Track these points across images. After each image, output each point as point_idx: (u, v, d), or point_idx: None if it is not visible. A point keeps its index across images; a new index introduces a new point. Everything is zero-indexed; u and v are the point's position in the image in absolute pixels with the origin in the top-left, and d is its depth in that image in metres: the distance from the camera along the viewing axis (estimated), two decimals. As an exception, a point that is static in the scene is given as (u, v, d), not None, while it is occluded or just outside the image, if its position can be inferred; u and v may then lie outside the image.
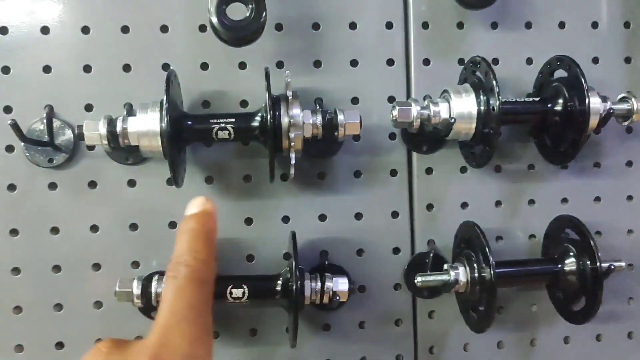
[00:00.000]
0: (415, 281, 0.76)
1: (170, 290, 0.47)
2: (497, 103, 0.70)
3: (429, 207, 0.84)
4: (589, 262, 0.75)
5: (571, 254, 0.77)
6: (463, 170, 0.84)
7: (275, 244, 0.81)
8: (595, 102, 0.74)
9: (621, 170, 0.87)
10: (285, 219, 0.81)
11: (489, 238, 0.82)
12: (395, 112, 0.74)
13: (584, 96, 0.72)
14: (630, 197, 0.87)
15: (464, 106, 0.73)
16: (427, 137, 0.81)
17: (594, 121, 0.75)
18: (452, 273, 0.75)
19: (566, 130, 0.76)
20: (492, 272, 0.71)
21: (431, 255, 0.82)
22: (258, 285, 0.73)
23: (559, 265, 0.77)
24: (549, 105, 0.76)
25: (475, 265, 0.74)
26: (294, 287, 0.69)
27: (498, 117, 0.71)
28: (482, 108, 0.73)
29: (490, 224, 0.84)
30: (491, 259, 0.71)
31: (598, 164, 0.86)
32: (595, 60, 0.86)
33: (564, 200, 0.86)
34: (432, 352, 0.84)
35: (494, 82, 0.71)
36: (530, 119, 0.79)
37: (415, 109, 0.74)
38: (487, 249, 0.72)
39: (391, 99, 0.81)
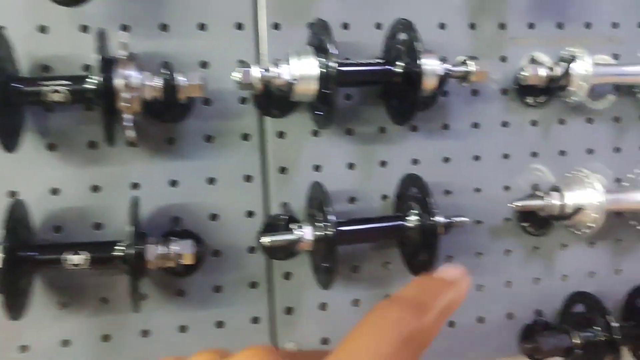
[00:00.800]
0: (260, 241, 0.77)
1: (397, 331, 0.34)
2: (333, 64, 0.72)
3: (283, 170, 0.84)
4: (428, 218, 0.78)
5: (413, 210, 0.80)
6: (315, 133, 0.85)
7: (124, 212, 0.79)
8: (431, 64, 0.77)
9: (468, 132, 0.91)
10: (135, 186, 0.80)
11: (342, 200, 0.86)
12: (235, 74, 0.74)
13: (417, 58, 0.75)
14: (477, 157, 0.91)
15: (304, 68, 0.74)
16: (277, 101, 0.82)
17: (431, 81, 0.78)
18: (297, 232, 0.76)
19: (407, 90, 0.79)
20: (332, 230, 0.73)
21: (284, 217, 0.83)
22: (98, 251, 0.71)
23: (402, 222, 0.80)
24: (390, 67, 0.78)
25: (318, 224, 0.76)
26: (132, 251, 0.68)
27: (334, 78, 0.72)
28: (321, 69, 0.74)
29: (344, 186, 0.86)
30: (331, 217, 0.73)
31: (446, 126, 0.90)
32: (442, 26, 0.89)
33: (415, 161, 0.89)
34: (290, 313, 0.86)
35: (330, 44, 0.72)
36: (373, 80, 0.81)
37: (255, 71, 0.74)
38: (328, 208, 0.74)
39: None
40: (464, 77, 0.82)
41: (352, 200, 0.87)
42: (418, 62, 0.75)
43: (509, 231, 0.94)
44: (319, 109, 0.79)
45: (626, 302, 0.96)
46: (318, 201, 0.78)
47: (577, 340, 0.86)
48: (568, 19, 0.93)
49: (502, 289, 0.94)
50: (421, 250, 0.80)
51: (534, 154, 0.94)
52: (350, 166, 0.87)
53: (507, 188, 0.93)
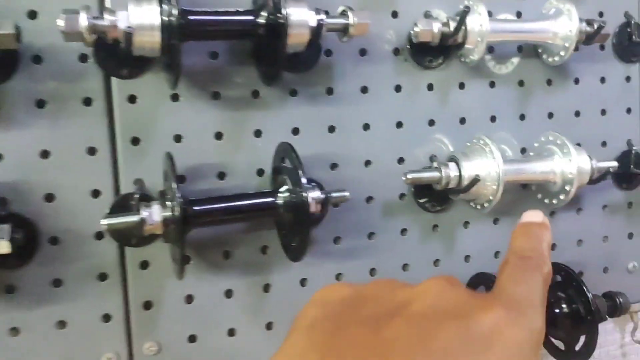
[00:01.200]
0: (101, 223, 0.64)
1: (534, 278, 0.41)
2: (175, 10, 0.59)
3: (135, 141, 0.72)
4: (299, 193, 0.67)
5: (285, 186, 0.69)
6: (175, 98, 0.73)
7: None
8: (299, 14, 0.66)
9: (356, 97, 0.80)
10: (-54, 161, 0.66)
11: (210, 175, 0.74)
12: (59, 22, 0.61)
13: (280, 6, 0.63)
14: (366, 126, 0.81)
15: (144, 16, 0.62)
16: (125, 58, 0.69)
17: (300, 34, 0.67)
18: (144, 212, 0.64)
19: (273, 45, 0.67)
20: (179, 209, 0.61)
21: (138, 196, 0.70)
22: None
23: (272, 199, 0.69)
24: (252, 17, 0.67)
25: (167, 202, 0.64)
26: None
27: (177, 28, 0.60)
28: (165, 18, 0.61)
29: (211, 159, 0.75)
30: (178, 194, 0.61)
31: (331, 90, 0.79)
32: (324, -25, 0.77)
33: (295, 130, 0.78)
34: (149, 308, 0.74)
35: (171, -16, 0.59)
36: (236, 34, 0.69)
37: (83, 18, 0.61)
38: (174, 183, 0.62)
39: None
40: (343, 29, 0.71)
41: (221, 175, 0.75)
42: (283, 11, 0.63)
43: (405, 208, 0.84)
44: (169, 67, 0.66)
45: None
46: (169, 175, 0.65)
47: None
48: (466, -30, 0.84)
49: (397, 273, 0.84)
50: (295, 229, 0.69)
51: (431, 122, 0.84)
52: (218, 136, 0.75)
53: (401, 160, 0.83)
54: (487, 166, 0.77)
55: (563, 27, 0.80)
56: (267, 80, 0.71)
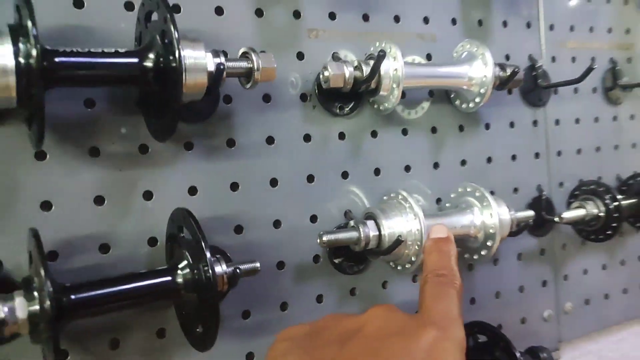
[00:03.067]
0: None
1: (449, 293, 0.52)
2: (36, 51, 0.47)
3: (-12, 212, 0.57)
4: (203, 269, 0.55)
5: (185, 261, 0.57)
6: (41, 156, 0.59)
7: None
8: (195, 56, 0.56)
9: (261, 148, 0.71)
10: None
11: (90, 248, 0.61)
12: None
13: (173, 48, 0.52)
14: (274, 182, 0.72)
15: (-4, 56, 0.48)
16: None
17: (197, 80, 0.56)
18: (3, 308, 0.49)
19: (165, 93, 0.56)
20: (49, 302, 0.47)
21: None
22: None
23: (170, 277, 0.57)
24: (137, 60, 0.55)
25: (35, 293, 0.50)
26: None
27: (39, 72, 0.47)
28: (21, 60, 0.48)
29: (91, 228, 0.61)
30: (47, 281, 0.48)
31: (232, 142, 0.69)
32: (219, 11, 0.68)
33: (192, 190, 0.67)
34: (9, 423, 0.58)
35: (29, 21, 0.47)
36: (117, 79, 0.57)
37: None
38: (43, 269, 0.48)
39: None
40: (247, 75, 0.61)
41: (104, 248, 0.62)
42: (176, 53, 0.52)
43: (320, 272, 0.75)
44: (30, 120, 0.53)
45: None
46: (36, 258, 0.51)
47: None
48: (374, 10, 0.78)
49: (314, 346, 0.74)
50: (199, 313, 0.58)
51: (345, 174, 0.76)
52: (99, 200, 0.62)
53: (314, 218, 0.74)
54: (408, 224, 0.70)
55: (478, 72, 0.76)
56: (158, 135, 0.60)
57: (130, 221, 0.64)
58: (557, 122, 0.95)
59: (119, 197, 0.63)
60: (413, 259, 0.71)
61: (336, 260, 0.76)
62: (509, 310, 0.90)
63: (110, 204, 0.62)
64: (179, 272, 0.57)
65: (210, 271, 0.54)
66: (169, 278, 0.57)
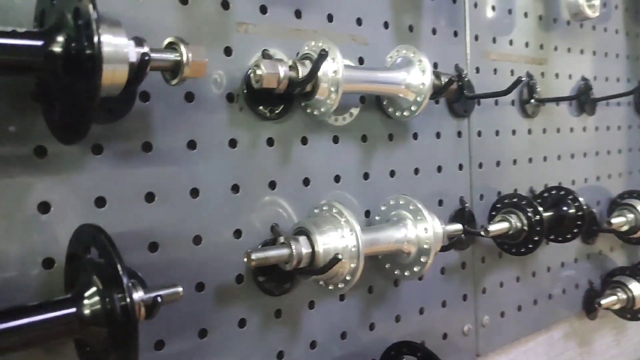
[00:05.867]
0: None
1: None
2: None
3: None
4: (117, 297, 0.46)
5: (94, 288, 0.47)
6: None
7: None
8: (117, 44, 0.46)
9: (180, 154, 0.62)
10: None
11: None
12: None
13: (91, 31, 0.43)
14: (194, 191, 0.63)
15: None
16: None
17: (120, 72, 0.46)
18: None
19: (75, 86, 0.46)
20: None
21: None
22: None
23: (74, 308, 0.47)
24: (43, 43, 0.45)
25: None
26: None
27: None
28: None
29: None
30: None
31: (148, 146, 0.60)
32: (138, -6, 0.58)
33: (100, 201, 0.57)
34: None
35: None
36: (13, 67, 0.46)
37: None
38: None
39: None
40: (173, 69, 0.53)
41: (-11, 271, 0.50)
42: (95, 37, 0.43)
43: (243, 293, 0.67)
44: None
45: (383, 364, 0.78)
46: None
47: None
48: (307, 7, 0.71)
49: (236, 376, 0.67)
50: (110, 350, 0.48)
51: (272, 184, 0.69)
52: (-17, 214, 0.50)
53: (238, 233, 0.66)
54: (344, 240, 0.64)
55: (416, 79, 0.72)
56: (64, 136, 0.49)
57: (21, 238, 0.52)
58: (479, 133, 0.93)
59: (6, 210, 0.52)
60: (348, 277, 0.65)
61: (260, 279, 0.68)
62: (432, 326, 0.87)
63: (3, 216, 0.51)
64: (86, 301, 0.47)
65: (128, 299, 0.45)
66: (72, 310, 0.47)
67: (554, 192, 0.96)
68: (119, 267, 0.45)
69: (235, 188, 0.66)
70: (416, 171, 0.85)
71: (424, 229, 0.71)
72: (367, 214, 0.79)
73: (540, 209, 0.87)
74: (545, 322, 1.08)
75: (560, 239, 0.95)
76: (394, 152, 0.82)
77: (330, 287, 0.68)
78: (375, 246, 0.70)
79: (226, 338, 0.66)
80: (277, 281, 0.69)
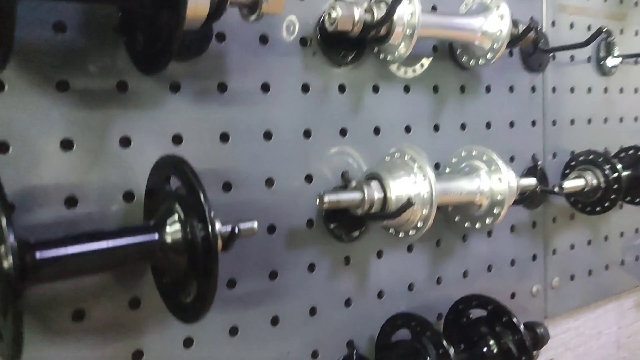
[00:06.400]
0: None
1: None
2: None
3: None
4: (198, 226, 0.46)
5: (175, 216, 0.48)
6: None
7: None
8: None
9: (255, 96, 0.62)
10: None
11: (54, 201, 0.51)
12: None
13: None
14: (268, 134, 0.63)
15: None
16: None
17: (201, 4, 0.47)
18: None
19: (159, 17, 0.46)
20: (14, 257, 0.38)
21: None
22: None
23: (155, 236, 0.48)
24: (127, -28, 0.45)
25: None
26: None
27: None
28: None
29: (55, 178, 0.51)
30: (11, 234, 0.38)
31: (224, 86, 0.60)
32: None
33: (177, 139, 0.57)
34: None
35: None
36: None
37: None
38: (4, 220, 0.38)
39: None
40: (252, 5, 0.52)
41: (70, 202, 0.52)
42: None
43: (313, 238, 0.67)
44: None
45: (449, 318, 0.77)
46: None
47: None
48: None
49: (304, 319, 0.67)
50: (189, 278, 0.49)
51: (343, 132, 0.69)
52: (66, 145, 0.52)
53: (309, 178, 0.66)
54: (417, 186, 0.63)
55: (493, 26, 0.70)
56: (146, 66, 0.50)
57: (103, 172, 0.54)
58: (553, 89, 0.90)
59: (90, 142, 0.53)
60: (419, 225, 0.64)
61: (331, 225, 0.68)
62: (500, 285, 0.85)
63: (79, 150, 0.52)
64: (168, 229, 0.48)
65: (210, 228, 0.46)
66: (155, 236, 0.48)
67: (631, 151, 0.92)
68: (201, 195, 0.46)
69: (307, 133, 0.66)
70: (488, 125, 0.82)
71: (498, 180, 0.69)
72: (437, 166, 0.77)
73: (619, 166, 0.83)
74: (615, 289, 1.04)
75: (637, 201, 0.91)
76: (466, 105, 0.80)
77: (400, 235, 0.67)
78: (446, 196, 0.69)
79: (296, 281, 0.66)
80: (347, 228, 0.69)
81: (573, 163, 0.88)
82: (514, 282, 0.88)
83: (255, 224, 0.54)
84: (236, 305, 0.62)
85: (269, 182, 0.63)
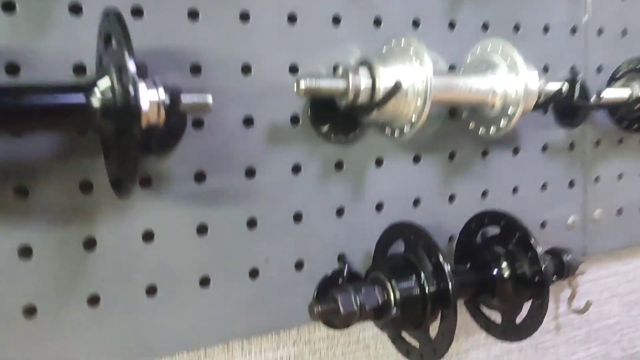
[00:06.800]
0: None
1: None
2: None
3: None
4: (124, 86, 0.41)
5: (107, 77, 0.43)
6: None
7: None
8: None
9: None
10: None
11: None
12: None
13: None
14: (245, 15, 0.56)
15: None
16: None
17: None
18: None
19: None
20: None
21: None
22: None
23: (84, 95, 0.43)
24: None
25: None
26: None
27: None
28: None
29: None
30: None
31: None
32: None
33: (137, 11, 0.52)
34: None
35: None
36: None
37: None
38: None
39: None
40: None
41: (11, 69, 0.48)
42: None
43: (298, 137, 0.61)
44: None
45: (461, 240, 0.69)
46: None
47: (394, 295, 0.56)
48: None
49: (286, 224, 0.61)
50: (117, 149, 0.44)
51: (336, 20, 0.62)
52: (7, 7, 0.47)
53: (294, 69, 0.60)
54: (411, 74, 0.55)
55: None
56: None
57: (50, 36, 0.49)
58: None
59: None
60: (413, 118, 0.56)
61: (321, 128, 0.61)
62: (528, 210, 0.75)
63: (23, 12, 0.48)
64: (96, 90, 0.43)
65: (131, 90, 0.40)
66: (81, 96, 0.43)
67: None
68: (125, 52, 0.41)
69: (292, 18, 0.59)
70: (516, 28, 0.72)
71: (514, 76, 0.60)
72: (452, 69, 0.68)
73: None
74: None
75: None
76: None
77: (395, 135, 0.60)
78: (451, 92, 0.60)
79: (277, 183, 0.60)
80: (338, 128, 0.62)
81: (620, 74, 0.76)
82: (545, 209, 0.78)
83: (208, 98, 0.48)
84: (205, 201, 0.57)
85: (246, 70, 0.57)
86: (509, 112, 0.61)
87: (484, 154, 0.72)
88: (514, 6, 0.72)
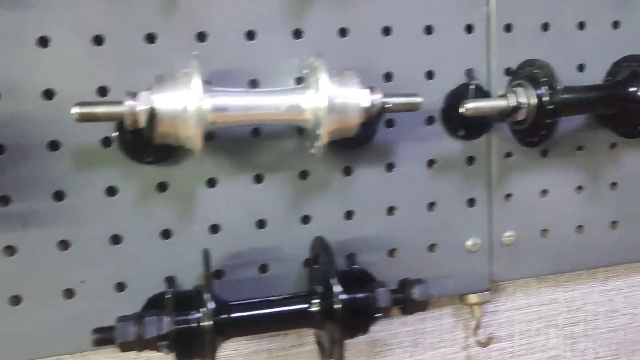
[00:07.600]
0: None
1: None
2: None
3: None
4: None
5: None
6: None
7: None
8: None
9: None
10: None
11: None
12: None
13: None
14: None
15: None
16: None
17: None
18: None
19: None
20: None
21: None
22: None
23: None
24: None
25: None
26: None
27: None
28: None
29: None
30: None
31: None
32: None
33: None
34: None
35: None
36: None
37: None
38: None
39: None
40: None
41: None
42: None
43: (110, 159, 0.60)
44: None
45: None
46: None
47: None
48: None
49: (103, 246, 0.62)
50: None
51: (150, 38, 0.60)
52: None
53: (102, 91, 0.59)
54: (182, 98, 0.52)
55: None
56: None
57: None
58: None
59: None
60: (193, 141, 0.53)
61: (137, 154, 0.60)
62: (410, 232, 0.69)
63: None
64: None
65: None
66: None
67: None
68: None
69: (99, 40, 0.58)
70: (386, 31, 0.65)
71: (314, 92, 0.55)
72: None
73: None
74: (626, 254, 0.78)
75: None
76: None
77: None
78: (252, 111, 0.56)
79: (89, 205, 0.60)
80: (151, 152, 0.61)
81: (512, 79, 0.65)
82: (433, 231, 0.70)
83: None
84: (12, 223, 0.59)
85: (48, 93, 0.58)
86: (317, 132, 0.55)
87: (347, 171, 0.66)
88: (382, 8, 0.64)
